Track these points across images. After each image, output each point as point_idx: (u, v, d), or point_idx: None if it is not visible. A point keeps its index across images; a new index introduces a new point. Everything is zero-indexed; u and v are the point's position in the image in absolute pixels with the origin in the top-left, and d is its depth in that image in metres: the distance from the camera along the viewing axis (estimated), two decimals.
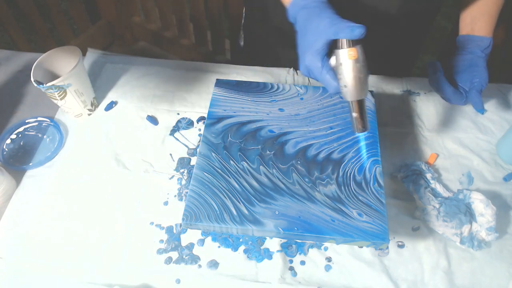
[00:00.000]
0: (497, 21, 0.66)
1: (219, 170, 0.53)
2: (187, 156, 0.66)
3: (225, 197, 0.51)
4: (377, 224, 0.49)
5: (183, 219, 0.49)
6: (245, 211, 0.50)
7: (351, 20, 0.46)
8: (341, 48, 0.46)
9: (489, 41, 0.65)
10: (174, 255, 0.55)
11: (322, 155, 0.55)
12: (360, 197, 0.51)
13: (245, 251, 0.56)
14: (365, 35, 0.45)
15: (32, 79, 0.62)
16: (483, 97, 0.73)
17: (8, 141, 0.68)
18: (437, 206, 0.56)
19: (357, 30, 0.44)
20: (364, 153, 0.55)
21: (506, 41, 1.03)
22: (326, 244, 0.56)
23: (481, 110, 0.71)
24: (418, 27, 0.77)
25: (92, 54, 0.80)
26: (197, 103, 0.73)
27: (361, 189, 0.52)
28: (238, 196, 0.51)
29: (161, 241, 0.57)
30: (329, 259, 0.55)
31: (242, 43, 0.90)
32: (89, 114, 0.70)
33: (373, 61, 0.84)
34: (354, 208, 0.50)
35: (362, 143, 0.56)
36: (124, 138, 0.68)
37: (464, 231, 0.54)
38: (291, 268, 0.54)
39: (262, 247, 0.56)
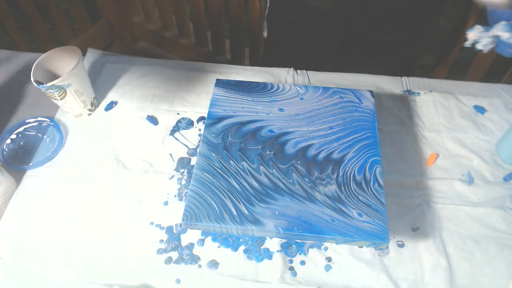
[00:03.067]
0: None
1: (219, 170, 0.53)
2: (187, 156, 0.66)
3: (225, 197, 0.51)
4: (377, 224, 0.49)
5: (183, 219, 0.49)
6: (245, 211, 0.50)
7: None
8: None
9: None
10: (174, 255, 0.55)
11: (322, 155, 0.55)
12: (360, 197, 0.51)
13: (245, 251, 0.56)
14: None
15: (32, 79, 0.62)
16: (483, 97, 0.74)
17: (8, 141, 0.68)
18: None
19: None
20: (364, 153, 0.55)
21: None
22: (326, 244, 0.56)
23: (481, 110, 0.71)
24: (420, 25, 0.78)
25: (92, 54, 0.80)
26: (197, 103, 0.73)
27: (361, 189, 0.52)
28: (238, 196, 0.51)
29: (161, 241, 0.57)
30: (329, 259, 0.55)
31: (265, 34, 0.92)
32: (89, 114, 0.70)
33: (375, 61, 0.85)
34: (354, 208, 0.50)
35: (362, 143, 0.56)
36: (124, 138, 0.68)
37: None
38: (291, 268, 0.54)
39: (262, 247, 0.56)
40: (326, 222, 0.49)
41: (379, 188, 0.52)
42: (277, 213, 0.49)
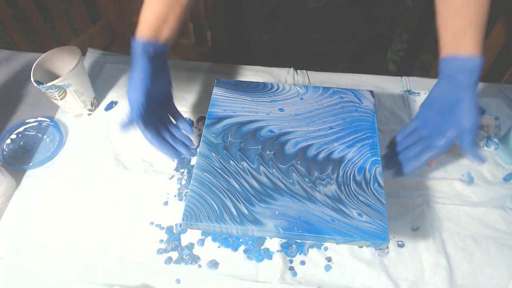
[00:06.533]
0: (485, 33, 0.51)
1: (219, 170, 0.53)
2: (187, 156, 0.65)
3: (225, 197, 0.51)
4: (377, 224, 0.49)
5: (183, 219, 0.49)
6: (245, 211, 0.50)
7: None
8: None
9: (479, 62, 0.49)
10: (174, 255, 0.55)
11: (322, 155, 0.55)
12: (360, 197, 0.51)
13: (245, 251, 0.56)
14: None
15: (32, 79, 0.62)
16: (484, 97, 0.73)
17: (8, 141, 0.68)
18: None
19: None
20: (364, 153, 0.55)
21: (507, 41, 1.02)
22: (326, 244, 0.56)
23: (481, 110, 0.71)
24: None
25: (92, 54, 0.80)
26: (197, 103, 0.73)
27: (361, 189, 0.52)
28: (238, 196, 0.51)
29: (161, 241, 0.57)
30: (329, 259, 0.55)
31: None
32: (89, 114, 0.70)
33: (373, 60, 0.84)
34: (354, 208, 0.50)
35: (362, 143, 0.56)
36: (124, 138, 0.67)
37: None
38: (291, 268, 0.54)
39: (262, 247, 0.56)
40: (326, 222, 0.49)
41: (379, 188, 0.52)
42: (277, 213, 0.49)
